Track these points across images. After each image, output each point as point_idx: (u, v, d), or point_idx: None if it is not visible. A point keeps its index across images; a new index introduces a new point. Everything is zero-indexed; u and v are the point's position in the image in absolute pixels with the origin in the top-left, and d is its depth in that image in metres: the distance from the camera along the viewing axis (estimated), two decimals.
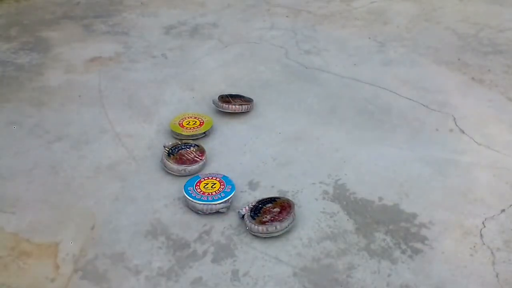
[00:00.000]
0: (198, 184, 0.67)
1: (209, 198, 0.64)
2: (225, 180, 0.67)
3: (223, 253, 0.60)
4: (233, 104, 0.81)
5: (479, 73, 0.98)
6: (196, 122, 0.78)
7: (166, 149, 0.72)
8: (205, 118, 0.79)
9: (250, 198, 0.67)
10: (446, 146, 0.78)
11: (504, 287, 0.56)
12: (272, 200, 0.65)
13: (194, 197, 0.64)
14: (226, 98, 0.83)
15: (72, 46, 1.07)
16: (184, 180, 0.68)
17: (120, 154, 0.75)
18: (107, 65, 0.99)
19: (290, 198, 0.67)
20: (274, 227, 0.60)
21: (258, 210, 0.63)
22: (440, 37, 1.13)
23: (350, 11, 1.26)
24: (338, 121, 0.84)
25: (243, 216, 0.63)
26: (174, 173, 0.70)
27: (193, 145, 0.74)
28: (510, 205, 0.67)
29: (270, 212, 0.62)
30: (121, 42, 1.06)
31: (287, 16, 1.23)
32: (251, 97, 0.86)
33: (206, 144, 0.76)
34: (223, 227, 0.63)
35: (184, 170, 0.70)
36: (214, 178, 0.68)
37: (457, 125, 0.83)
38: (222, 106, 0.82)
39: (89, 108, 0.86)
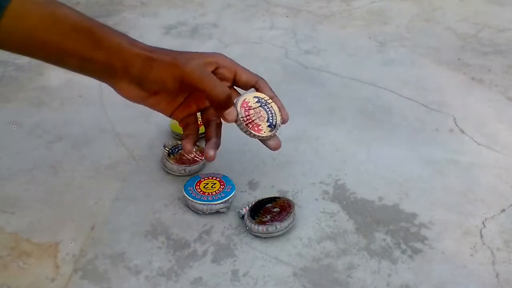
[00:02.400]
0: (198, 184, 0.67)
1: (209, 198, 0.64)
2: (225, 180, 0.67)
3: (223, 253, 0.60)
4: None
5: (479, 73, 0.98)
6: None
7: (166, 149, 0.72)
8: None
9: (250, 198, 0.67)
10: (446, 146, 0.78)
11: (504, 287, 0.56)
12: (272, 200, 0.65)
13: (194, 197, 0.64)
14: None
15: None
16: (184, 180, 0.68)
17: (120, 154, 0.75)
18: None
19: (290, 198, 0.67)
20: (274, 227, 0.60)
21: (258, 210, 0.63)
22: (440, 37, 1.13)
23: (350, 11, 1.26)
24: (338, 121, 0.84)
25: (243, 216, 0.63)
26: (174, 173, 0.70)
27: None
28: (510, 205, 0.67)
29: (270, 212, 0.62)
30: None
31: (287, 16, 1.23)
32: None
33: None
34: (223, 227, 0.63)
35: (184, 170, 0.70)
36: (214, 178, 0.68)
37: (457, 125, 0.83)
38: None
39: (89, 108, 0.86)
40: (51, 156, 0.74)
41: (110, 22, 1.17)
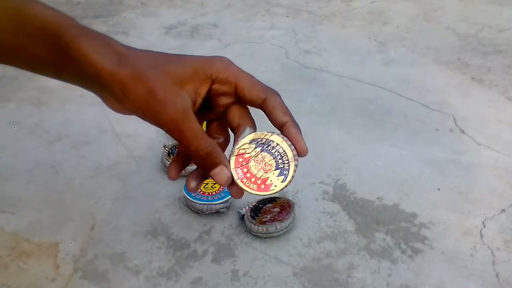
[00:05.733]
0: None
1: (209, 198, 0.64)
2: None
3: (223, 253, 0.60)
4: None
5: (479, 73, 0.98)
6: None
7: (166, 149, 0.72)
8: None
9: (250, 198, 0.67)
10: (446, 146, 0.78)
11: (504, 287, 0.56)
12: (272, 200, 0.65)
13: (194, 197, 0.64)
14: None
15: None
16: (184, 180, 0.68)
17: (120, 154, 0.75)
18: None
19: (290, 198, 0.67)
20: (274, 227, 0.60)
21: (258, 210, 0.63)
22: (440, 37, 1.13)
23: (350, 11, 1.26)
24: (338, 121, 0.84)
25: (243, 216, 0.63)
26: None
27: None
28: (510, 205, 0.67)
29: (270, 212, 0.62)
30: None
31: (287, 16, 1.23)
32: None
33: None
34: (223, 227, 0.63)
35: (184, 170, 0.70)
36: None
37: (457, 125, 0.83)
38: None
39: (89, 108, 0.86)
40: (51, 156, 0.74)
41: (110, 22, 1.17)
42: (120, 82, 0.41)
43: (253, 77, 0.46)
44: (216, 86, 0.44)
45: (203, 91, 0.44)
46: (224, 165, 0.43)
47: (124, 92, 0.41)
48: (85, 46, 0.41)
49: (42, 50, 0.42)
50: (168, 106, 0.40)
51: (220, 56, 0.46)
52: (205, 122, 0.49)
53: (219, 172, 0.43)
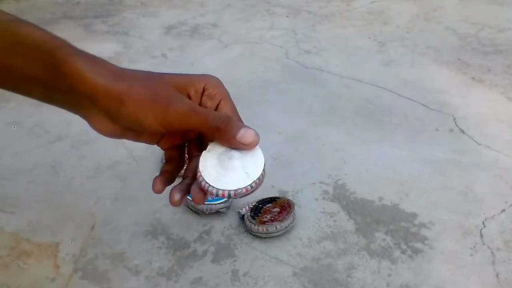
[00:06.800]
0: None
1: (209, 198, 0.64)
2: None
3: (223, 253, 0.60)
4: None
5: (479, 73, 0.98)
6: None
7: None
8: None
9: (250, 198, 0.67)
10: (446, 146, 0.78)
11: (504, 287, 0.56)
12: (272, 200, 0.65)
13: None
14: None
15: None
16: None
17: (120, 154, 0.75)
18: None
19: (290, 198, 0.67)
20: (274, 227, 0.60)
21: (258, 210, 0.63)
22: (440, 37, 1.13)
23: (350, 11, 1.26)
24: (338, 121, 0.84)
25: (243, 216, 0.63)
26: None
27: None
28: (510, 205, 0.67)
29: (270, 212, 0.62)
30: (121, 42, 1.06)
31: (287, 16, 1.23)
32: (250, 98, 0.85)
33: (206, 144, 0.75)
34: (223, 227, 0.63)
35: (184, 170, 0.70)
36: None
37: (457, 125, 0.83)
38: None
39: None
40: (51, 156, 0.74)
41: (110, 22, 1.17)
42: (117, 95, 0.42)
43: (234, 105, 0.48)
44: (204, 99, 0.46)
45: (197, 101, 0.46)
46: (247, 127, 0.42)
47: (124, 101, 0.42)
48: (78, 64, 0.42)
49: (34, 69, 0.43)
50: (176, 100, 0.42)
51: (212, 75, 0.47)
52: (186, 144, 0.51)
53: (245, 133, 0.42)
